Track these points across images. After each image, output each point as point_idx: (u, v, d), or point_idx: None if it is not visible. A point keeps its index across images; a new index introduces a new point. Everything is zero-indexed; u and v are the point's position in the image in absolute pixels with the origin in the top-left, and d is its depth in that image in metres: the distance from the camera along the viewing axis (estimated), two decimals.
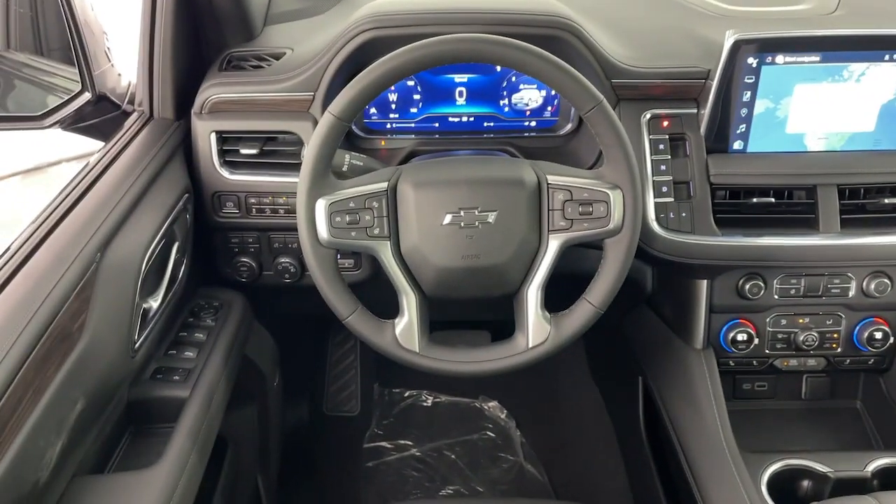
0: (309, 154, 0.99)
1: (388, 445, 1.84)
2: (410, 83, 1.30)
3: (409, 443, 1.84)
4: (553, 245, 1.01)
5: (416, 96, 1.31)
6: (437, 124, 1.33)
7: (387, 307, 1.06)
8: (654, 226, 1.17)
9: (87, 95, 1.29)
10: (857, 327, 1.25)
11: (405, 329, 1.03)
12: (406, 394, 1.96)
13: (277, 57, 1.28)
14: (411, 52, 0.95)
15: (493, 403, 1.92)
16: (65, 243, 0.92)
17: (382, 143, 1.34)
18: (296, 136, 1.22)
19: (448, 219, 1.00)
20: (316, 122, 1.20)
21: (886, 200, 1.17)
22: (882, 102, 1.16)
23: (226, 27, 1.30)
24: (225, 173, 1.23)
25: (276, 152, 1.23)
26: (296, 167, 1.22)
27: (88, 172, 1.09)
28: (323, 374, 1.95)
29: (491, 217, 1.00)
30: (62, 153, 1.52)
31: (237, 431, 1.32)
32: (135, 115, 1.28)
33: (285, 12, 1.44)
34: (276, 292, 1.37)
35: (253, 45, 1.33)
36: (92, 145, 1.31)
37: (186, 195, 1.19)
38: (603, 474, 1.63)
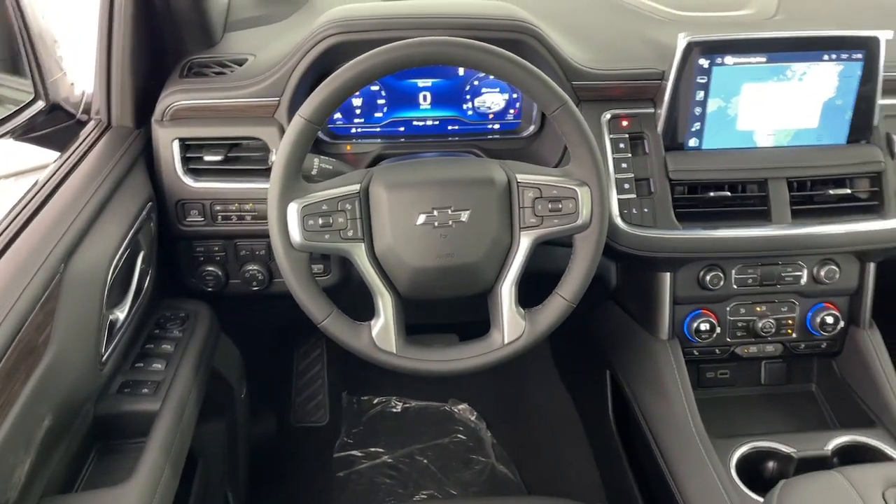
0: (280, 157, 1.00)
1: (359, 454, 1.83)
2: (375, 88, 1.32)
3: (381, 450, 1.83)
4: (525, 242, 1.04)
5: (381, 101, 1.33)
6: (402, 128, 1.35)
7: (359, 311, 1.06)
8: (619, 221, 1.21)
9: (40, 104, 1.26)
10: (810, 313, 1.32)
11: (382, 330, 1.04)
12: (375, 401, 1.96)
13: (240, 63, 1.28)
14: (382, 55, 0.97)
15: (462, 406, 1.94)
16: (26, 254, 0.90)
17: (348, 147, 1.35)
18: (261, 142, 1.22)
19: (422, 219, 1.01)
20: (282, 128, 1.21)
21: (832, 191, 1.23)
22: (823, 100, 1.23)
23: (186, 34, 1.29)
24: (189, 181, 1.22)
25: (242, 158, 1.23)
26: (262, 173, 1.22)
27: (46, 182, 1.06)
28: (289, 384, 1.94)
29: (464, 216, 1.02)
30: (13, 165, 1.47)
31: (206, 445, 1.31)
32: (91, 124, 1.26)
33: (245, 19, 1.44)
34: (243, 301, 1.36)
35: (214, 52, 1.33)
36: (46, 156, 1.28)
37: (150, 203, 1.18)
38: (575, 469, 1.66)
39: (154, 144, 1.22)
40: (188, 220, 1.24)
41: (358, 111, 1.33)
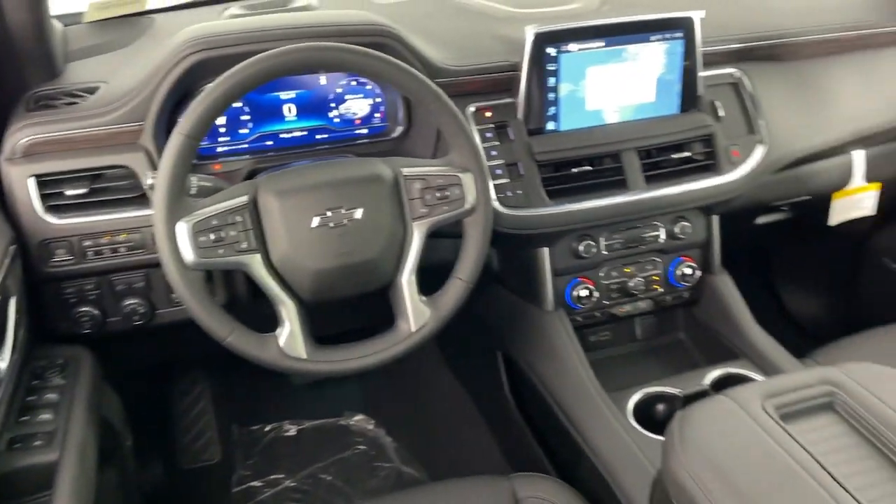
0: (162, 178, 0.97)
1: (259, 484, 1.77)
2: (237, 104, 1.30)
3: (281, 475, 1.78)
4: (418, 232, 1.08)
5: (245, 117, 1.31)
6: (269, 142, 1.34)
7: (256, 327, 1.05)
8: (498, 205, 1.28)
9: None
10: (672, 267, 1.46)
11: (289, 338, 1.03)
12: (267, 428, 1.90)
13: (91, 91, 1.22)
14: (260, 63, 0.97)
15: (358, 417, 1.93)
16: None
17: (217, 167, 1.32)
18: (127, 170, 1.17)
19: (317, 221, 1.02)
20: (149, 152, 1.17)
21: (674, 156, 1.38)
22: (656, 76, 1.38)
23: (26, 66, 1.21)
24: (51, 219, 1.14)
25: (109, 189, 1.17)
26: (132, 201, 1.18)
27: None
28: (174, 425, 1.84)
29: (358, 213, 1.04)
30: None
31: (97, 500, 1.22)
32: None
33: (85, 48, 1.37)
34: (124, 340, 1.29)
35: (58, 83, 1.25)
36: None
37: (13, 247, 1.09)
38: (479, 452, 1.71)
39: (6, 184, 1.13)
40: (54, 260, 1.16)
41: (223, 129, 1.31)
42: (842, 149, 1.61)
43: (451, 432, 1.83)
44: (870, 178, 1.69)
